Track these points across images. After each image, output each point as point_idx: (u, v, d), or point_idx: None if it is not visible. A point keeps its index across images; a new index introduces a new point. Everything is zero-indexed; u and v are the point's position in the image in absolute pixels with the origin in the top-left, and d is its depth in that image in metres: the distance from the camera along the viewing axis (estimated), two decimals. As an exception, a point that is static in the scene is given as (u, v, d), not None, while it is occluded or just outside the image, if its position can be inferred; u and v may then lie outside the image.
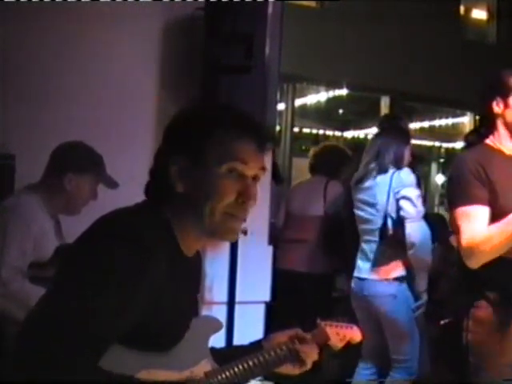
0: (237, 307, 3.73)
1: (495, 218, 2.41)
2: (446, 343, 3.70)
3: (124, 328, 1.39)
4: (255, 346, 1.82)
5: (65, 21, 3.56)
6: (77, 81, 3.61)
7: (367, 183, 3.88)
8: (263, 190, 3.80)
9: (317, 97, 10.31)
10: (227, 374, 1.65)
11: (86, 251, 1.42)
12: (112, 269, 1.37)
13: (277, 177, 4.77)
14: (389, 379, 3.85)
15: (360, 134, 11.24)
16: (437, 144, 11.98)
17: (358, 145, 10.56)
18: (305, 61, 8.66)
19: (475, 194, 2.43)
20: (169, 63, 3.84)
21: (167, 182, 1.52)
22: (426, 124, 11.48)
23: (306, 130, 10.40)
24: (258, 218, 3.67)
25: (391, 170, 3.80)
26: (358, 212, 3.96)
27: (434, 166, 12.13)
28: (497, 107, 2.52)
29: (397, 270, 3.79)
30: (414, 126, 10.60)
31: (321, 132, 10.54)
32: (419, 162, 7.00)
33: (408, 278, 3.79)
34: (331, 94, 10.19)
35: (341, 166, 4.64)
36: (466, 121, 11.48)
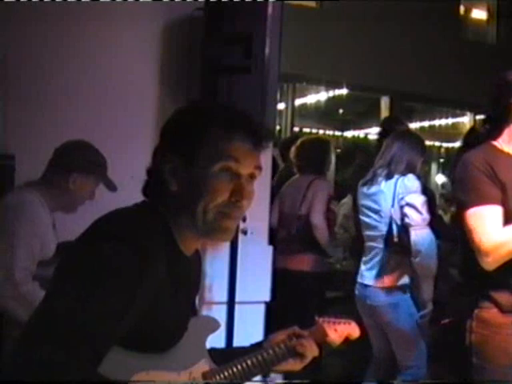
0: (237, 307, 3.73)
1: (505, 220, 2.34)
2: (446, 343, 3.69)
3: (124, 328, 1.38)
4: (255, 347, 1.83)
5: (65, 21, 3.57)
6: (77, 81, 3.62)
7: (373, 188, 3.83)
8: (263, 190, 3.84)
9: (317, 97, 10.31)
10: (226, 373, 1.65)
11: (84, 252, 1.42)
12: (111, 270, 1.36)
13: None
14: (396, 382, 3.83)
15: (360, 133, 11.25)
16: (437, 144, 11.98)
17: (358, 145, 10.59)
18: (305, 61, 8.65)
19: (488, 193, 2.34)
20: (168, 63, 3.84)
21: (162, 181, 1.52)
22: (425, 124, 11.48)
23: (306, 130, 10.39)
24: (257, 217, 3.67)
25: (396, 176, 3.73)
26: (362, 218, 3.92)
27: (433, 166, 12.12)
28: None
29: (401, 278, 3.75)
30: (414, 125, 10.61)
31: (321, 132, 10.53)
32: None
33: (411, 287, 3.75)
34: (331, 93, 10.19)
35: (324, 158, 4.64)
36: (466, 121, 11.49)
